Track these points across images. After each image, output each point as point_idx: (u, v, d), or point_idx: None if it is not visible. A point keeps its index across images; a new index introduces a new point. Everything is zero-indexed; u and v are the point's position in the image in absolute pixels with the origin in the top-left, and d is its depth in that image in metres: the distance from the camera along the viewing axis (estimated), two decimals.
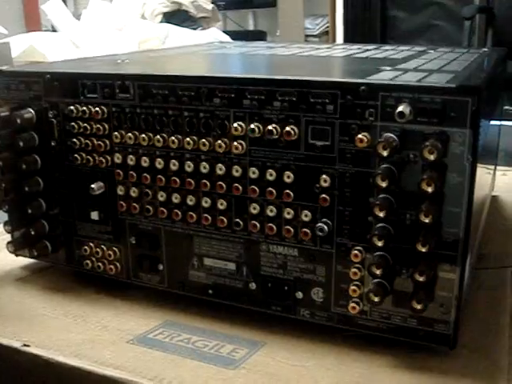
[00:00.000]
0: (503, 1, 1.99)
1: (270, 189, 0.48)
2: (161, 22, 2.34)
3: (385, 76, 0.48)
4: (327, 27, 2.94)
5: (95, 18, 2.32)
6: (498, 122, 0.75)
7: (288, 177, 0.47)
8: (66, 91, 0.56)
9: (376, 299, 0.45)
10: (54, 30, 2.35)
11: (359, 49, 0.75)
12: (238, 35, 2.41)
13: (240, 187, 0.49)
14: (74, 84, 0.55)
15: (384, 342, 0.48)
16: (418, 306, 0.44)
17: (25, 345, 0.49)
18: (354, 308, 0.47)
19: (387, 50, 0.73)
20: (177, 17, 2.38)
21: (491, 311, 0.54)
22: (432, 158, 0.41)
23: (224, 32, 2.32)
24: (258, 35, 3.20)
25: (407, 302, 0.45)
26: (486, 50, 0.78)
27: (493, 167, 0.80)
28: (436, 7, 2.35)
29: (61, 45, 1.99)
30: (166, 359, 0.47)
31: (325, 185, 0.46)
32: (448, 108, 0.42)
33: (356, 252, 0.46)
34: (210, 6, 2.51)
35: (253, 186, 0.49)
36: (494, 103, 0.64)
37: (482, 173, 0.52)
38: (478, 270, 0.61)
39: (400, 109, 0.42)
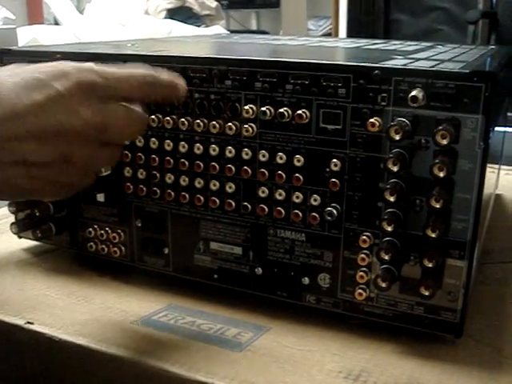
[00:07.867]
0: (507, 6, 1.99)
1: (280, 172, 0.48)
2: (164, 18, 2.34)
3: (397, 62, 0.48)
4: (330, 29, 2.94)
5: (99, 12, 2.32)
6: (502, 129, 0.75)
7: (298, 160, 0.47)
8: None
9: (383, 285, 0.45)
10: (57, 24, 2.35)
11: (367, 42, 0.75)
12: None
13: (249, 170, 0.49)
14: None
15: (390, 330, 0.47)
16: (426, 293, 0.44)
17: (28, 322, 0.49)
18: (360, 294, 0.47)
19: (395, 44, 0.73)
20: (180, 13, 2.38)
21: (496, 304, 0.54)
22: (445, 142, 0.41)
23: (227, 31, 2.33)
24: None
25: (415, 289, 0.44)
26: (493, 47, 0.78)
27: (497, 166, 0.80)
28: (439, 12, 2.34)
29: (64, 38, 1.99)
30: (170, 340, 0.47)
31: (335, 169, 0.46)
32: (461, 94, 0.42)
33: (364, 237, 0.46)
34: (214, 4, 2.51)
35: (262, 170, 0.49)
36: (503, 98, 0.64)
37: (487, 171, 0.52)
38: (482, 264, 0.61)
39: (413, 93, 0.42)
